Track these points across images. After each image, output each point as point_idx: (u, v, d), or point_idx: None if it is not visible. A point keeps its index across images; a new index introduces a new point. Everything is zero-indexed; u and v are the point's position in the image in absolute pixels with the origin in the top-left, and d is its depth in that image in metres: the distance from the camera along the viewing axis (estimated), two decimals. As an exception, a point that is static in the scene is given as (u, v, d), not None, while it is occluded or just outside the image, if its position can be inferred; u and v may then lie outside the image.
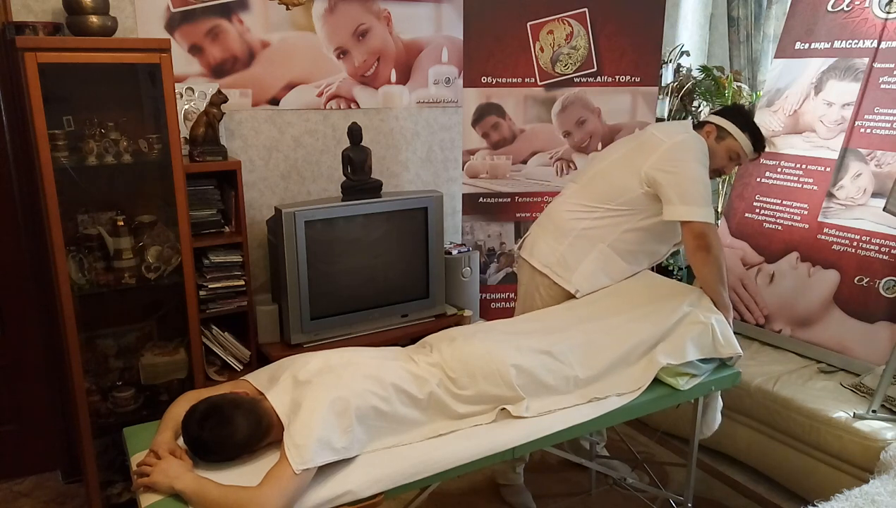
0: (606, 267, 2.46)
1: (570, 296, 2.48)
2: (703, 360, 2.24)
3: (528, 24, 3.26)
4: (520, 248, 2.68)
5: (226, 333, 2.86)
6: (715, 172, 2.46)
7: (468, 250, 3.36)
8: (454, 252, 3.32)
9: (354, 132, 2.99)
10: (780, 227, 3.17)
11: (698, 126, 2.50)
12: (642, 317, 2.24)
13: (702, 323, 2.23)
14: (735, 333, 2.32)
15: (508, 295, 3.51)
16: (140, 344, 2.82)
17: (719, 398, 2.42)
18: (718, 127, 2.46)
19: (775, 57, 3.41)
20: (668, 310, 2.25)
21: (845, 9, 3.13)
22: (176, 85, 2.55)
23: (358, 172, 3.00)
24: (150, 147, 2.58)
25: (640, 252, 2.48)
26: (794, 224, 3.13)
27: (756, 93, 3.88)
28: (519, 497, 2.78)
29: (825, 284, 2.98)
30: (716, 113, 2.55)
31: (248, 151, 3.16)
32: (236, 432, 1.70)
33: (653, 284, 2.46)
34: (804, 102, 3.20)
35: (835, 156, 3.05)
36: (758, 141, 2.46)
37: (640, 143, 2.46)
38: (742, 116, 2.48)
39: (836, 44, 3.14)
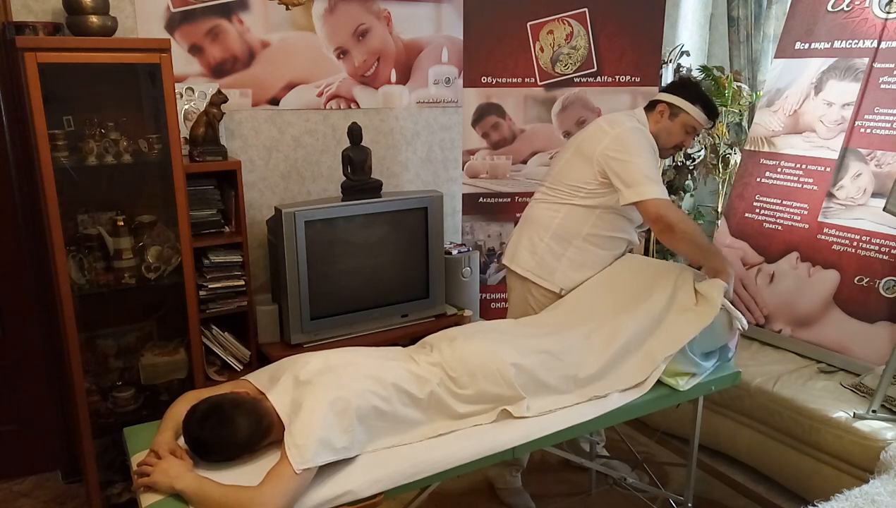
0: (586, 260, 2.48)
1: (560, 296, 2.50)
2: (703, 357, 2.24)
3: (528, 24, 3.26)
4: (503, 256, 2.68)
5: (226, 333, 2.86)
6: (675, 148, 2.49)
7: (468, 250, 3.36)
8: (454, 252, 3.32)
9: (354, 132, 2.99)
10: (780, 227, 3.17)
11: (649, 106, 2.53)
12: (634, 310, 2.24)
13: (691, 311, 2.22)
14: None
15: (508, 295, 3.51)
16: (140, 344, 2.82)
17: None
18: (669, 104, 2.47)
19: (775, 57, 3.41)
20: (656, 297, 2.25)
21: (845, 9, 3.13)
22: (176, 85, 2.55)
23: (358, 172, 3.00)
24: (150, 147, 2.58)
25: (614, 237, 2.50)
26: (794, 224, 3.13)
27: (756, 93, 3.88)
28: (518, 498, 2.78)
29: (825, 284, 2.98)
30: (663, 90, 2.55)
31: (248, 151, 3.16)
32: (237, 432, 1.70)
33: (638, 269, 2.45)
34: (804, 102, 3.20)
35: (835, 156, 3.05)
36: (709, 109, 2.45)
37: (589, 135, 2.49)
38: (690, 88, 2.48)
39: (836, 44, 3.14)
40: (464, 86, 3.37)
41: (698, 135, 2.56)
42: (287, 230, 2.77)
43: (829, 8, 3.19)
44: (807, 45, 3.24)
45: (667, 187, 3.88)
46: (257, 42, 3.08)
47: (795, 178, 3.17)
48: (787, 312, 3.09)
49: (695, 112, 2.44)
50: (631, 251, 2.59)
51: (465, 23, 3.25)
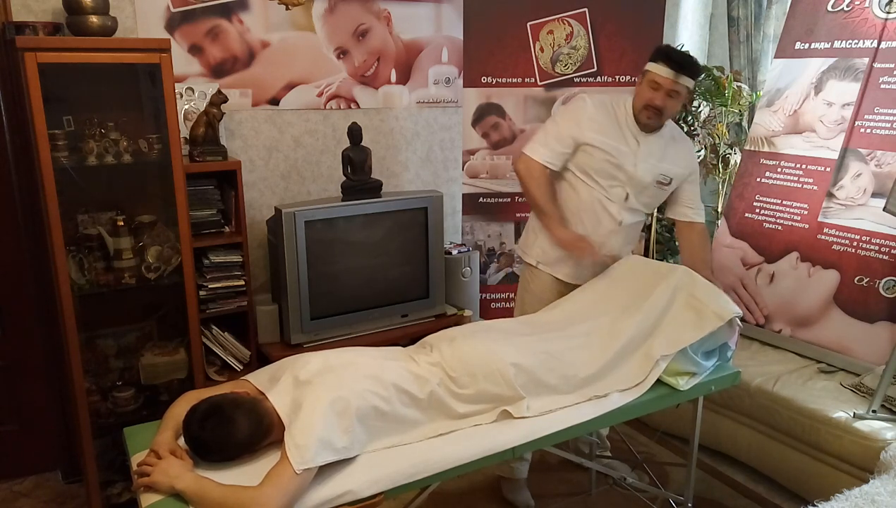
0: (539, 227, 2.61)
1: (555, 282, 2.58)
2: (704, 357, 2.24)
3: (528, 24, 3.26)
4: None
5: (226, 333, 2.86)
6: (646, 108, 2.43)
7: (468, 250, 3.36)
8: (454, 252, 3.32)
9: (354, 132, 2.99)
10: (780, 227, 3.17)
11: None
12: (634, 310, 2.24)
13: (691, 311, 2.22)
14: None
15: (508, 295, 3.51)
16: (140, 344, 2.82)
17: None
18: (643, 71, 2.48)
19: (775, 57, 3.41)
20: (656, 298, 2.25)
21: (845, 9, 3.13)
22: (176, 85, 2.55)
23: (358, 172, 3.00)
24: (150, 147, 2.58)
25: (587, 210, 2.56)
26: (794, 224, 3.13)
27: (756, 93, 3.88)
28: (518, 494, 2.78)
29: (825, 284, 2.98)
30: None
31: (248, 151, 3.16)
32: (237, 432, 1.70)
33: (639, 270, 2.45)
34: (804, 102, 3.20)
35: (835, 156, 3.05)
36: (671, 61, 2.39)
37: None
38: (656, 50, 2.48)
39: (836, 44, 3.14)
40: (464, 87, 3.37)
41: (663, 90, 2.40)
42: (287, 230, 2.77)
43: (829, 8, 3.19)
44: (807, 45, 3.24)
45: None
46: (257, 42, 3.08)
47: (795, 178, 3.17)
48: (787, 312, 3.09)
49: (654, 67, 2.40)
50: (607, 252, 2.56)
51: (465, 23, 3.25)
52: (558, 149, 2.49)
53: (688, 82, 2.41)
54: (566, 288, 2.59)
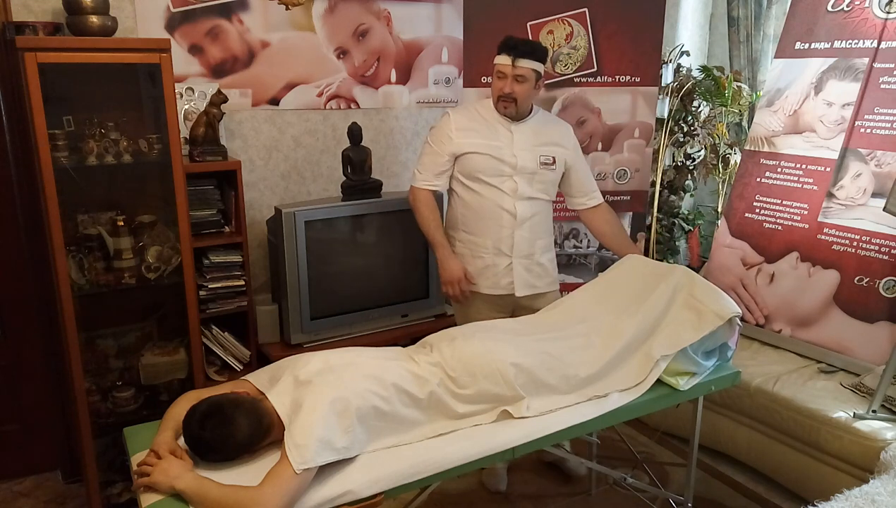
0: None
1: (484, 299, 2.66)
2: (704, 356, 2.24)
3: (528, 24, 3.26)
4: None
5: (226, 333, 2.86)
6: (498, 98, 2.55)
7: (468, 250, 3.36)
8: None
9: (354, 132, 2.99)
10: (780, 227, 3.17)
11: None
12: (634, 311, 2.24)
13: (691, 310, 2.22)
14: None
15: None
16: (140, 344, 2.82)
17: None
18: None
19: (775, 57, 3.41)
20: (655, 298, 2.26)
21: (845, 9, 3.13)
22: (176, 85, 2.55)
23: (358, 172, 3.01)
24: (150, 147, 2.58)
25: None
26: (794, 224, 3.13)
27: (756, 93, 3.88)
28: (493, 478, 2.85)
29: (825, 284, 2.98)
30: None
31: (248, 151, 3.16)
32: (237, 432, 1.70)
33: (639, 270, 2.45)
34: (804, 102, 3.20)
35: (835, 156, 3.05)
36: (506, 47, 2.51)
37: None
38: (499, 43, 2.56)
39: (836, 44, 3.14)
40: (464, 87, 3.37)
41: (506, 77, 2.51)
42: (287, 230, 2.77)
43: (829, 8, 3.19)
44: (807, 45, 3.24)
45: (667, 187, 3.93)
46: (257, 42, 3.08)
47: (795, 178, 3.17)
48: (787, 312, 3.09)
49: (497, 58, 2.53)
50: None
51: (465, 23, 3.25)
52: (436, 170, 2.62)
53: (529, 64, 2.50)
54: (497, 303, 2.67)
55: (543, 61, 2.56)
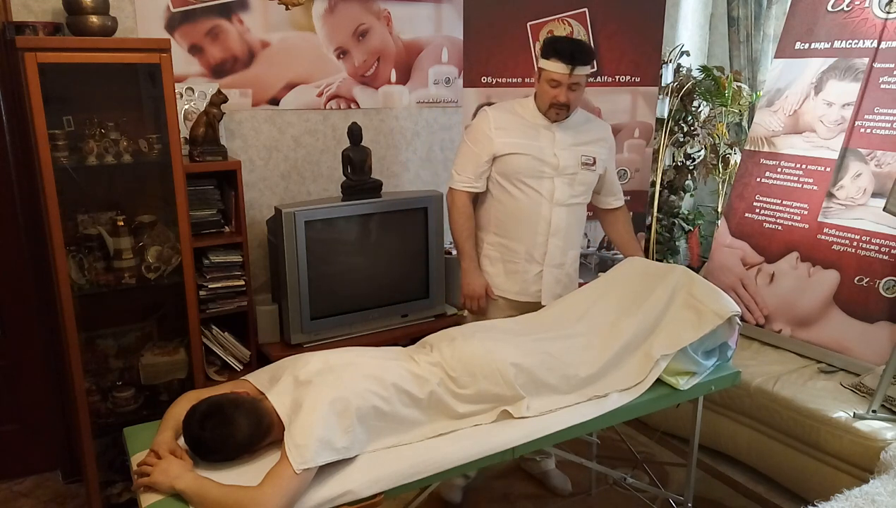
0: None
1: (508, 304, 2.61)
2: (704, 356, 2.24)
3: (528, 24, 3.26)
4: None
5: (226, 333, 2.86)
6: (551, 106, 2.46)
7: (468, 250, 3.35)
8: (454, 252, 3.31)
9: (354, 132, 2.99)
10: (780, 227, 3.17)
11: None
12: (634, 310, 2.24)
13: (691, 310, 2.22)
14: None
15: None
16: (140, 344, 2.82)
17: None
18: (539, 69, 2.49)
19: (775, 57, 3.41)
20: (655, 298, 2.26)
21: (845, 9, 3.13)
22: (176, 85, 2.55)
23: (358, 172, 3.01)
24: (150, 147, 2.58)
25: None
26: (794, 224, 3.13)
27: (756, 93, 3.89)
28: (451, 492, 2.79)
29: (825, 284, 2.98)
30: None
31: (248, 151, 3.16)
32: (237, 432, 1.70)
33: (639, 270, 2.45)
34: (804, 102, 3.20)
35: (835, 156, 3.05)
36: (558, 53, 2.39)
37: None
38: (545, 45, 2.47)
39: (836, 44, 3.14)
40: (464, 87, 3.37)
41: (562, 85, 2.41)
42: (287, 230, 2.77)
43: (829, 8, 3.19)
44: (807, 45, 3.24)
45: (667, 187, 3.93)
46: (257, 42, 3.08)
47: (795, 178, 3.17)
48: (787, 312, 3.09)
49: (548, 64, 2.41)
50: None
51: (465, 23, 3.25)
52: (476, 171, 2.54)
53: (585, 70, 2.42)
54: (519, 310, 2.58)
55: (592, 62, 2.49)
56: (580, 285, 2.55)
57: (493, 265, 2.62)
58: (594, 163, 2.56)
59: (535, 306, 2.57)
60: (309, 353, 1.97)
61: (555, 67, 2.39)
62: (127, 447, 1.88)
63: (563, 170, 2.51)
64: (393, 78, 3.43)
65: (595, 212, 2.81)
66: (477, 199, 2.64)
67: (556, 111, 2.46)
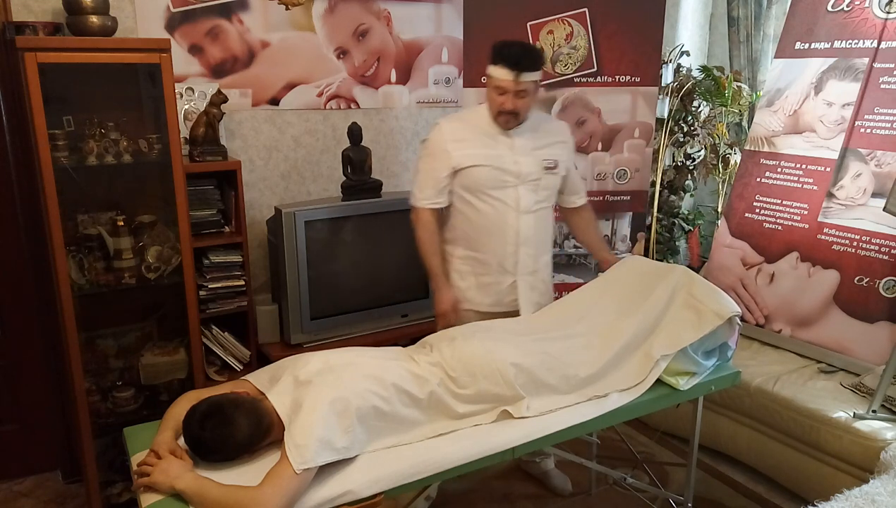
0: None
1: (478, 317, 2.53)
2: (704, 356, 2.24)
3: (528, 24, 3.26)
4: None
5: (226, 333, 2.86)
6: (500, 114, 2.39)
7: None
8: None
9: (354, 132, 2.99)
10: (780, 227, 3.17)
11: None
12: (634, 310, 2.24)
13: (691, 310, 2.22)
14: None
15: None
16: (140, 344, 2.82)
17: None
18: (487, 76, 2.40)
19: (775, 57, 3.41)
20: (655, 298, 2.25)
21: (845, 9, 3.13)
22: (176, 85, 2.55)
23: (358, 172, 3.01)
24: (150, 147, 2.58)
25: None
26: (794, 224, 3.13)
27: (756, 93, 3.88)
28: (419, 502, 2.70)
29: (825, 284, 2.98)
30: None
31: (248, 151, 3.16)
32: (237, 432, 1.71)
33: (639, 270, 2.45)
34: (804, 102, 3.20)
35: (835, 156, 3.05)
36: (504, 59, 2.29)
37: None
38: (492, 51, 2.35)
39: (836, 44, 3.14)
40: (464, 87, 3.37)
41: (508, 92, 2.32)
42: (287, 230, 2.77)
43: (829, 8, 3.19)
44: (807, 45, 3.24)
45: (667, 187, 3.93)
46: (257, 42, 3.08)
47: (795, 178, 3.17)
48: (787, 312, 3.09)
49: (494, 70, 2.32)
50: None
51: (465, 23, 3.25)
52: (437, 187, 2.45)
53: (532, 77, 2.33)
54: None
55: (540, 68, 2.41)
56: (579, 285, 2.55)
57: (464, 279, 2.56)
58: (556, 166, 2.50)
59: (512, 316, 2.50)
60: (309, 353, 1.97)
61: (500, 74, 2.31)
62: (127, 447, 1.88)
63: (526, 177, 2.44)
64: (393, 78, 3.43)
65: (560, 211, 2.75)
66: (441, 214, 2.57)
67: (505, 119, 2.39)
